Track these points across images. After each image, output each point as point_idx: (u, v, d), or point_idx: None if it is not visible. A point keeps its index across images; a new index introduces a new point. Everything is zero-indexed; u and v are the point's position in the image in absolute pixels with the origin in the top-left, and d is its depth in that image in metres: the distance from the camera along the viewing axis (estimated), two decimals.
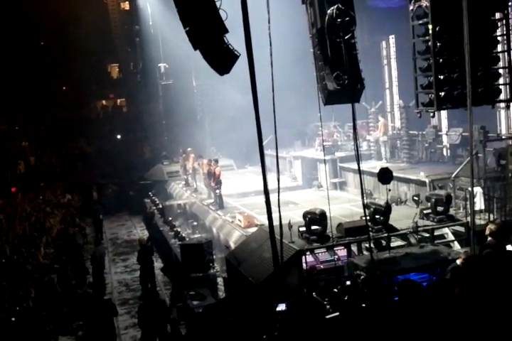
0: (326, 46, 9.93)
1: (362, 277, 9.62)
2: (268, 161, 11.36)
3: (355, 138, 9.53)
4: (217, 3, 8.13)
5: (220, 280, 14.34)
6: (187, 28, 8.39)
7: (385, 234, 11.55)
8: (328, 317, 6.61)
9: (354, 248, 11.77)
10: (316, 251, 11.55)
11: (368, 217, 10.65)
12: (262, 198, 8.75)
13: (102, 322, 10.93)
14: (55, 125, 40.20)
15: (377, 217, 12.10)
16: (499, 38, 11.81)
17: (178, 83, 32.32)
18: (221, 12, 8.21)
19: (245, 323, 9.25)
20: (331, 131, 23.33)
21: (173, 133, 32.90)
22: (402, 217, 12.93)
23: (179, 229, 18.22)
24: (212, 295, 12.46)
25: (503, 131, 17.20)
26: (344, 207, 15.16)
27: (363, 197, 9.59)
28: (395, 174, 10.98)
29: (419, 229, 12.03)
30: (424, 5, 11.27)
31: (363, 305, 5.96)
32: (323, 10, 9.86)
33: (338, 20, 9.57)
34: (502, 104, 15.23)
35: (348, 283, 10.16)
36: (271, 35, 8.49)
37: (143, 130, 39.25)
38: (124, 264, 19.99)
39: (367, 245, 11.28)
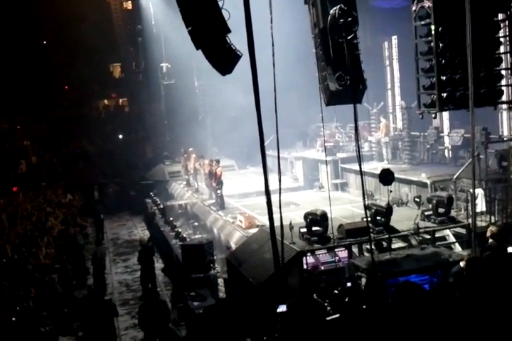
0: (329, 46, 9.92)
1: (364, 280, 9.60)
2: (269, 162, 11.33)
3: (357, 139, 9.50)
4: (220, 3, 8.11)
5: (220, 281, 14.32)
6: (189, 28, 8.38)
7: (386, 236, 11.53)
8: (328, 318, 6.59)
9: (355, 249, 11.76)
10: (317, 252, 11.53)
11: (369, 218, 10.64)
12: (263, 199, 8.73)
13: (102, 322, 10.91)
14: (57, 124, 40.26)
15: (378, 218, 12.08)
16: (502, 39, 11.81)
17: (180, 83, 32.31)
18: (224, 12, 8.19)
19: (246, 324, 9.22)
20: (332, 132, 23.30)
21: (175, 133, 32.88)
22: (403, 219, 12.91)
23: (180, 230, 18.20)
24: (212, 296, 12.43)
25: (505, 133, 17.15)
26: (345, 208, 15.14)
27: (364, 199, 9.57)
28: (396, 175, 10.96)
29: (421, 230, 12.01)
30: (427, 5, 11.25)
31: (364, 306, 5.94)
32: (326, 10, 9.85)
33: (341, 20, 9.55)
34: (504, 106, 15.19)
35: (349, 284, 10.13)
36: (273, 35, 8.48)
37: (145, 130, 39.26)
38: (124, 264, 19.98)
39: (368, 246, 11.27)
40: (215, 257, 14.59)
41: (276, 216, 8.58)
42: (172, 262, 15.86)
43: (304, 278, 10.84)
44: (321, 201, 17.38)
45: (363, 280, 9.90)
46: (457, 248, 12.21)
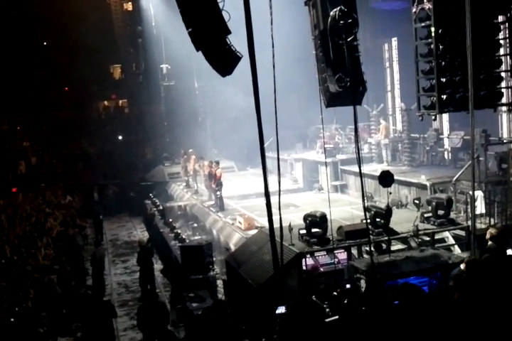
0: (329, 48, 9.93)
1: (363, 281, 9.59)
2: (269, 163, 11.34)
3: (357, 141, 9.50)
4: (220, 5, 8.12)
5: (219, 282, 14.31)
6: (190, 29, 8.38)
7: (386, 238, 11.52)
8: (327, 320, 6.59)
9: (354, 251, 11.74)
10: (316, 253, 11.50)
11: (368, 220, 10.62)
12: (263, 200, 8.73)
13: (101, 323, 10.89)
14: (57, 125, 40.30)
15: (377, 220, 12.07)
16: (502, 41, 11.81)
17: (180, 84, 32.34)
18: (224, 13, 8.20)
19: (245, 326, 9.22)
20: (332, 134, 23.31)
21: (175, 134, 32.88)
22: (403, 221, 12.90)
23: (179, 231, 18.19)
24: (211, 298, 12.43)
25: (505, 135, 17.15)
26: (345, 209, 15.12)
27: (363, 200, 9.57)
28: (395, 177, 10.95)
29: (420, 232, 11.99)
30: (427, 7, 11.27)
31: (363, 308, 5.94)
32: (326, 12, 9.86)
33: (341, 22, 9.56)
34: (504, 108, 15.20)
35: (348, 286, 10.12)
36: (273, 36, 8.49)
37: (144, 131, 39.28)
38: (123, 265, 19.96)
39: (367, 248, 11.26)
40: (214, 258, 14.58)
41: (275, 217, 8.58)
42: (171, 263, 15.83)
43: (303, 279, 10.82)
44: (320, 203, 17.38)
45: (362, 282, 9.89)
46: (457, 250, 12.20)
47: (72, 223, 23.00)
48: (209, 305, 10.47)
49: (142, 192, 28.92)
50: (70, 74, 41.57)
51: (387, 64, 24.37)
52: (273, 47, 8.46)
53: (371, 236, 10.93)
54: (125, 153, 36.45)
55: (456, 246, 12.37)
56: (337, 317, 6.33)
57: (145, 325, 10.70)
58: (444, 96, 11.38)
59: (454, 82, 11.25)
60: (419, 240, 12.09)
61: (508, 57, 11.77)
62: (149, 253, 16.14)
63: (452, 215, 13.00)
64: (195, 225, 19.41)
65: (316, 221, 11.62)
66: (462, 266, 7.39)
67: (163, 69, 32.70)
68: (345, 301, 6.35)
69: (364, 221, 10.62)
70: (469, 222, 11.54)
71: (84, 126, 39.86)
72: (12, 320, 11.43)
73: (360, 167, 9.25)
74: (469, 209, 12.19)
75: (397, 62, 23.69)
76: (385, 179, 10.36)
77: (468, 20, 10.10)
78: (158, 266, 17.51)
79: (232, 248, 14.65)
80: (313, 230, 11.67)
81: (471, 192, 11.33)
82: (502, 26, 11.69)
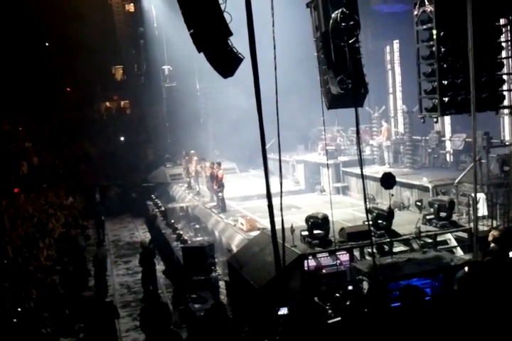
0: (330, 50, 9.94)
1: (366, 283, 9.60)
2: (271, 165, 11.33)
3: (358, 143, 9.52)
4: (222, 6, 8.14)
5: (221, 283, 14.33)
6: (191, 31, 8.40)
7: (388, 239, 11.53)
8: (330, 321, 6.59)
9: (356, 253, 11.74)
10: (318, 255, 11.50)
11: (370, 222, 10.63)
12: (265, 202, 8.74)
13: (103, 324, 10.91)
14: (59, 126, 40.34)
15: (379, 221, 12.07)
16: (503, 44, 11.82)
17: (181, 85, 32.37)
18: (225, 15, 8.22)
19: (247, 327, 9.23)
20: (334, 136, 23.32)
21: (177, 135, 32.93)
22: (405, 223, 12.89)
23: (181, 232, 18.21)
24: (213, 299, 12.44)
25: (507, 137, 17.16)
26: (347, 211, 15.13)
27: (365, 202, 9.58)
28: (398, 179, 10.98)
29: (422, 234, 11.99)
30: (429, 10, 11.27)
31: (365, 310, 5.95)
32: (328, 14, 9.88)
33: (343, 24, 9.58)
34: (506, 110, 15.23)
35: (350, 287, 10.13)
36: (275, 38, 8.51)
37: (146, 132, 39.32)
38: (126, 266, 19.98)
39: (369, 250, 11.26)
40: (216, 260, 14.60)
41: (277, 219, 8.60)
42: (173, 264, 15.85)
43: (305, 280, 10.84)
44: (322, 204, 17.38)
45: (365, 284, 9.90)
46: (459, 252, 12.20)
47: (74, 224, 23.03)
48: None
49: (144, 193, 28.94)
50: (72, 75, 41.64)
51: (389, 66, 24.41)
52: (274, 48, 8.48)
53: (373, 238, 10.92)
54: (127, 154, 36.48)
55: (458, 248, 12.37)
56: (339, 318, 6.34)
57: (148, 326, 10.73)
58: (446, 99, 11.38)
59: (456, 84, 11.25)
60: (422, 242, 12.09)
61: (510, 59, 11.80)
62: (151, 254, 16.17)
63: (454, 217, 12.99)
64: (197, 226, 19.44)
65: (318, 222, 11.63)
66: (467, 269, 7.39)
67: (165, 70, 32.76)
68: (348, 303, 6.35)
69: (366, 223, 10.62)
70: (471, 224, 11.54)
71: (86, 127, 39.88)
72: (15, 320, 11.45)
73: (362, 169, 9.26)
74: (471, 212, 12.18)
75: (398, 64, 23.72)
76: (387, 181, 10.39)
77: (470, 23, 10.12)
78: (160, 267, 17.54)
79: (234, 249, 14.67)
80: (315, 232, 11.67)
81: (473, 195, 11.34)
82: (504, 29, 11.69)
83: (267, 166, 8.53)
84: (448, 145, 19.46)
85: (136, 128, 40.64)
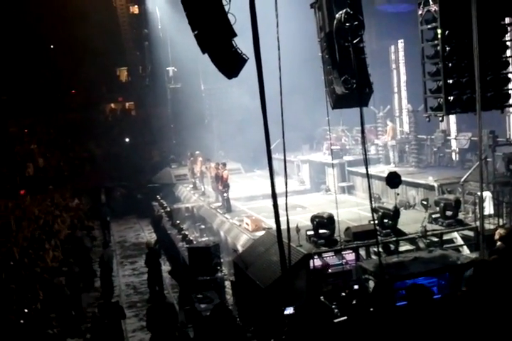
0: (335, 50, 9.95)
1: (372, 282, 9.60)
2: (276, 165, 11.36)
3: (364, 143, 9.54)
4: (226, 7, 8.17)
5: (227, 283, 14.34)
6: (196, 32, 8.43)
7: (394, 239, 11.53)
8: (336, 321, 6.60)
9: (362, 252, 11.74)
10: (324, 254, 11.50)
11: (376, 221, 10.63)
12: (270, 202, 8.77)
13: (109, 324, 10.95)
14: (64, 128, 40.47)
15: (385, 221, 12.07)
16: (508, 43, 11.78)
17: (186, 87, 32.43)
18: (230, 16, 8.25)
19: (253, 327, 9.25)
20: (339, 135, 23.32)
21: (182, 136, 32.97)
22: (411, 221, 12.89)
23: (187, 232, 18.23)
24: (219, 299, 12.46)
25: None
26: (352, 211, 15.14)
27: (371, 201, 9.59)
28: (403, 178, 10.97)
29: (428, 233, 11.99)
30: (433, 9, 11.26)
31: (371, 309, 5.95)
32: (332, 14, 9.89)
33: (347, 24, 9.58)
34: (511, 109, 15.17)
35: (356, 287, 10.13)
36: (279, 39, 8.53)
37: (151, 133, 39.39)
38: (131, 267, 20.03)
39: (375, 249, 11.25)
40: (221, 260, 14.61)
41: (282, 219, 8.61)
42: (179, 265, 15.89)
43: (311, 280, 10.84)
44: (327, 204, 17.38)
45: (371, 283, 9.90)
46: (465, 251, 12.18)
47: (80, 225, 23.09)
48: None
49: (149, 194, 28.99)
50: (77, 77, 41.81)
51: (394, 65, 24.36)
52: (279, 49, 8.51)
53: (379, 237, 10.92)
54: (132, 155, 36.52)
55: (464, 247, 12.35)
56: (345, 317, 6.35)
57: (154, 326, 10.77)
58: (451, 98, 11.35)
59: (461, 83, 11.23)
60: (428, 241, 12.09)
61: None
62: (157, 255, 16.19)
63: (460, 216, 12.98)
64: (203, 227, 19.46)
65: (323, 222, 11.63)
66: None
67: (170, 71, 32.81)
68: (354, 302, 6.36)
69: (372, 222, 10.62)
70: (478, 223, 11.52)
71: (91, 129, 40.00)
72: (21, 321, 11.50)
73: (367, 168, 9.28)
74: (477, 210, 12.16)
75: (403, 63, 23.67)
76: (393, 180, 10.38)
77: (475, 22, 10.11)
78: (166, 267, 17.58)
79: (240, 249, 14.68)
80: (321, 231, 11.68)
81: (479, 193, 11.31)
82: (509, 28, 11.66)
83: (272, 166, 8.54)
84: (453, 144, 19.42)
85: (141, 129, 40.72)
